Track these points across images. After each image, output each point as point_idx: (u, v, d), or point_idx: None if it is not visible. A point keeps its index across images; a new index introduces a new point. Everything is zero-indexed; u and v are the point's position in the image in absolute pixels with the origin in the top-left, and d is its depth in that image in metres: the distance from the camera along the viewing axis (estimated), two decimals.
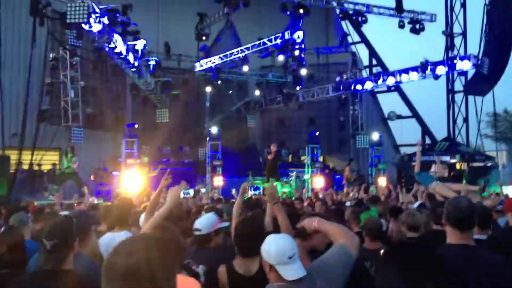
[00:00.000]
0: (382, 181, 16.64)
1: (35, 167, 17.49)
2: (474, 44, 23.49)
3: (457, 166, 22.21)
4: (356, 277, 2.61)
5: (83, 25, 12.77)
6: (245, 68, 20.56)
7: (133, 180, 15.85)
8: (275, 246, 2.34)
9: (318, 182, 18.93)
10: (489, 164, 22.25)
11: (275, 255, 2.32)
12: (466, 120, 26.43)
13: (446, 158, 22.87)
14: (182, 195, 4.48)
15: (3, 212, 6.53)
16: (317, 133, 20.88)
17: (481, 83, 21.63)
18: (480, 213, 3.65)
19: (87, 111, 19.33)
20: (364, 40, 28.60)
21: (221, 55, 20.52)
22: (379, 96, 28.66)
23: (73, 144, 16.35)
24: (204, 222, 3.87)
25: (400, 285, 2.79)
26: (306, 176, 19.79)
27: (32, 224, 4.78)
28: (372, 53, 28.68)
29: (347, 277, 2.43)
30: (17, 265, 3.31)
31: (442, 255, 2.53)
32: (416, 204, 6.90)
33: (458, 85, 26.52)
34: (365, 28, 25.92)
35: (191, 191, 6.68)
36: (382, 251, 4.21)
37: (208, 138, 19.14)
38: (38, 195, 13.87)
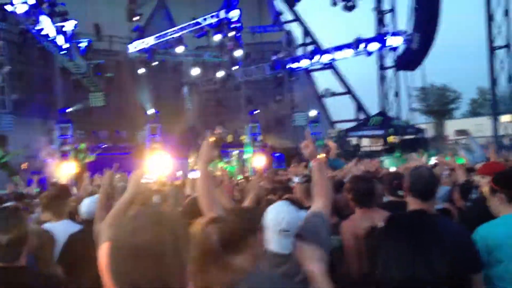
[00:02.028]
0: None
1: None
2: (404, 20, 24.19)
3: (389, 140, 23.08)
4: None
5: (6, 6, 12.08)
6: (179, 49, 20.11)
7: (68, 166, 15.28)
8: (275, 214, 2.22)
9: (260, 160, 18.99)
10: (420, 136, 23.27)
11: (270, 220, 2.20)
12: (397, 94, 27.42)
13: (380, 132, 23.71)
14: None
15: None
16: (257, 111, 20.97)
17: (411, 58, 22.37)
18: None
19: (13, 97, 18.36)
20: (298, 18, 28.83)
21: (156, 35, 20.00)
22: (313, 74, 29.12)
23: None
24: None
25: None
26: (247, 156, 19.84)
27: None
28: (306, 31, 28.98)
29: None
30: None
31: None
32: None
33: (389, 61, 27.38)
34: (298, 7, 26.07)
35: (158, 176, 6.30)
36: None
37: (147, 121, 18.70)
38: None
